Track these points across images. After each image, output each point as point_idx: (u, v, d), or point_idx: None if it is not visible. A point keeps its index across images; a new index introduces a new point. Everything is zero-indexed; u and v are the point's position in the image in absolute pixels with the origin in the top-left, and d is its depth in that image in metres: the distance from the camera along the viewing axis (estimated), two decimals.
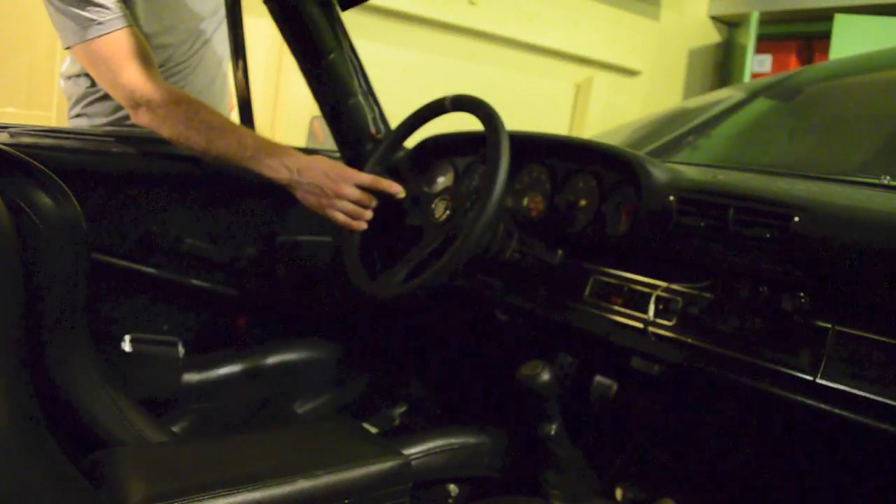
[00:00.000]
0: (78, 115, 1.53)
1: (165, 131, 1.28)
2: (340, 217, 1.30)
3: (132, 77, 1.27)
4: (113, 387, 0.96)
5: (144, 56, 1.30)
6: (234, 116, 1.71)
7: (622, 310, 1.16)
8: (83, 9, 1.24)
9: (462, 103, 1.23)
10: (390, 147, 1.39)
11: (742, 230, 1.02)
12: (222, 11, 1.58)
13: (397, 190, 1.32)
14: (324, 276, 1.65)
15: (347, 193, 1.29)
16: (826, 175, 1.30)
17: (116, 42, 1.27)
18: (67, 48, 1.31)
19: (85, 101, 1.51)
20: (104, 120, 1.50)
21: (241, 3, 1.46)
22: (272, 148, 1.30)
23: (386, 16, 3.64)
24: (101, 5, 1.25)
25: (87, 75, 1.45)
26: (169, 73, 1.50)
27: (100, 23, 1.25)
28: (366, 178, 1.31)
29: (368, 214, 1.32)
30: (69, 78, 1.53)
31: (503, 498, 1.20)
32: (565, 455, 1.22)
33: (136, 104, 1.28)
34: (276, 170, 1.28)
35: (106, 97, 1.44)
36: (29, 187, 0.83)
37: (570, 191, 1.32)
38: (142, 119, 1.29)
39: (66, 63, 1.54)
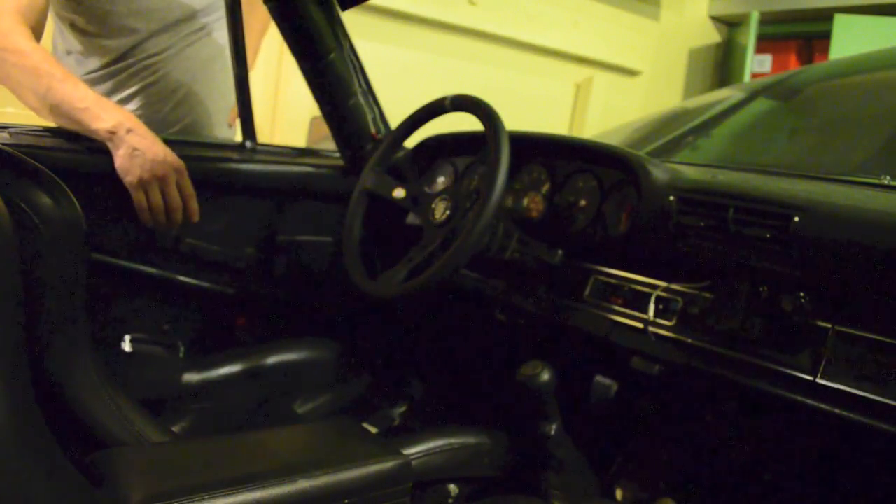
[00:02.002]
0: None
1: (5, 80, 1.25)
2: (141, 197, 1.26)
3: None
4: (113, 387, 0.96)
5: (24, 15, 1.27)
6: (234, 117, 1.71)
7: (622, 310, 1.16)
8: None
9: (462, 103, 1.23)
10: (390, 147, 1.38)
11: (742, 230, 1.02)
12: (217, 13, 1.57)
13: (192, 216, 1.31)
14: (324, 276, 1.65)
15: (169, 185, 1.26)
16: (826, 175, 1.29)
17: None
18: None
19: None
20: None
21: (241, 4, 1.46)
22: (110, 106, 1.26)
23: (386, 16, 3.64)
24: None
25: (67, 54, 1.45)
26: (141, 64, 1.49)
27: None
28: (188, 184, 1.30)
29: (162, 220, 1.29)
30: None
31: (503, 498, 1.20)
32: (565, 455, 1.21)
33: None
34: (104, 122, 1.23)
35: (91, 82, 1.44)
36: (29, 187, 0.83)
37: (570, 191, 1.32)
38: None
39: (53, 43, 1.53)
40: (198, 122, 1.62)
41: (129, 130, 1.23)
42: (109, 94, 1.50)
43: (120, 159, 1.24)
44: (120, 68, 1.49)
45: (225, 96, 1.68)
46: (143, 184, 1.25)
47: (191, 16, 1.53)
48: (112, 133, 1.23)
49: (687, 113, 2.10)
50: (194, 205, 1.32)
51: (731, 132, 1.90)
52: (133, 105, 1.52)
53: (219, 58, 1.62)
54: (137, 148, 1.23)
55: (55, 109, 1.24)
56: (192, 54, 1.56)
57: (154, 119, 1.53)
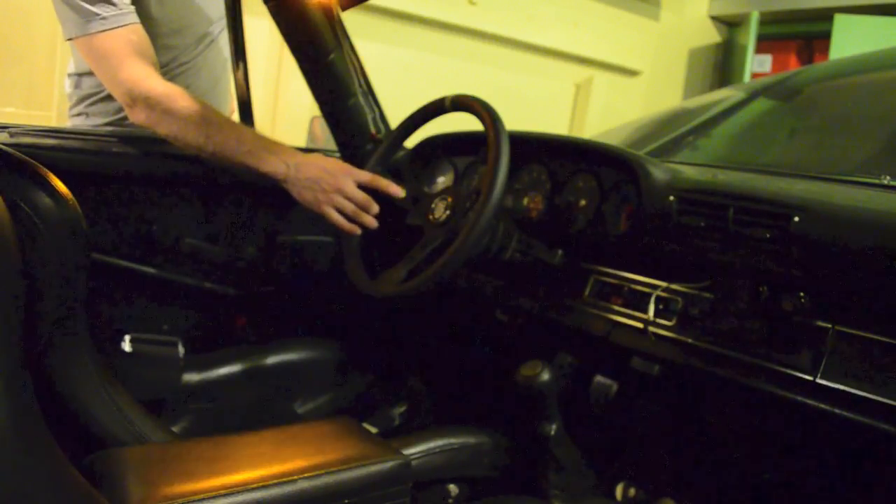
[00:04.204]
0: (78, 114, 1.53)
1: (162, 129, 1.27)
2: (335, 216, 1.29)
3: (131, 74, 1.26)
4: (113, 387, 0.96)
5: (145, 54, 1.29)
6: (235, 117, 1.71)
7: (622, 310, 1.16)
8: (89, 2, 1.24)
9: (462, 103, 1.23)
10: (390, 147, 1.39)
11: (742, 230, 1.02)
12: (222, 21, 1.58)
13: (396, 191, 1.31)
14: (324, 276, 1.65)
15: (345, 188, 1.28)
16: (826, 175, 1.29)
17: (118, 39, 1.27)
18: (69, 39, 1.31)
19: (88, 101, 1.50)
20: (104, 119, 1.50)
21: (241, 4, 1.46)
22: (270, 144, 1.29)
23: (386, 16, 3.65)
24: (106, 0, 1.25)
25: (90, 74, 1.46)
26: (172, 73, 1.50)
27: (103, 18, 1.25)
28: (365, 175, 1.30)
29: (366, 219, 1.30)
30: (76, 76, 1.53)
31: (503, 498, 1.20)
32: (565, 455, 1.21)
33: (133, 101, 1.27)
34: (272, 164, 1.27)
35: (109, 98, 1.44)
36: (29, 187, 0.83)
37: (570, 191, 1.32)
38: (138, 117, 1.28)
39: (72, 62, 1.54)
40: None
41: (294, 165, 1.27)
42: None
43: (299, 195, 1.29)
44: None
45: (227, 100, 1.69)
46: (328, 203, 1.28)
47: (210, 26, 1.55)
48: (283, 174, 1.27)
49: (687, 113, 2.10)
50: (381, 183, 1.32)
51: (732, 132, 1.89)
52: None
53: (225, 63, 1.63)
54: (308, 177, 1.27)
55: (217, 157, 1.28)
56: (208, 61, 1.58)
57: None
